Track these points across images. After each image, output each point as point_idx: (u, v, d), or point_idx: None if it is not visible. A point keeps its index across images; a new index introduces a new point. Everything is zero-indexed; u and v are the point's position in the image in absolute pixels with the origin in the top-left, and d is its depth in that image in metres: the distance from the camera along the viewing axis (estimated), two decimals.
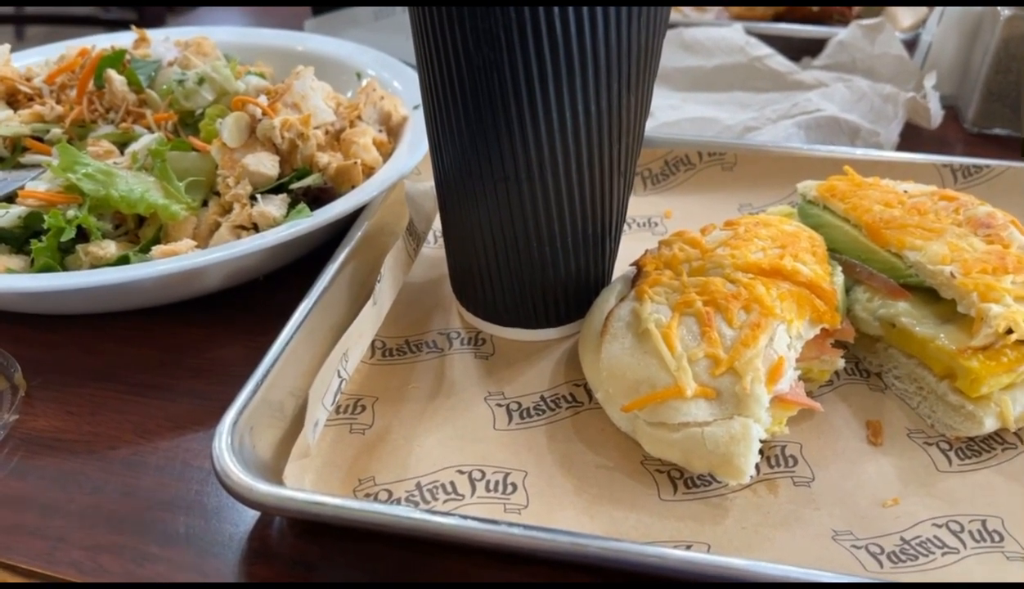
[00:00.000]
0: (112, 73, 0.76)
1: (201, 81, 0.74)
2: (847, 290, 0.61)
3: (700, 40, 1.04)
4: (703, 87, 1.02)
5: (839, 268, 0.60)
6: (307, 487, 0.49)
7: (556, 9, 0.47)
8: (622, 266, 0.63)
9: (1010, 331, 0.52)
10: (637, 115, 0.55)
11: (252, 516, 0.50)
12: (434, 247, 0.73)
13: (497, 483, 0.51)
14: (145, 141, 0.70)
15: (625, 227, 0.77)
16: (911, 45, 1.05)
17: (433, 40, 0.51)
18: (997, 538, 0.48)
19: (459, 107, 0.52)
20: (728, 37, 1.04)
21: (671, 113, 0.93)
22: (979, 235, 0.59)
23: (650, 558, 0.42)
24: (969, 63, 0.97)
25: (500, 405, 0.57)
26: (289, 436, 0.51)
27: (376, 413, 0.56)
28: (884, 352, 0.59)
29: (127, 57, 0.80)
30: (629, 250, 0.65)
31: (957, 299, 0.55)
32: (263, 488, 0.45)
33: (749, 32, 1.06)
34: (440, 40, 0.50)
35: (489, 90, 0.50)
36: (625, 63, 0.51)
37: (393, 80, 0.86)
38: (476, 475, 0.51)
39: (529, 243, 0.57)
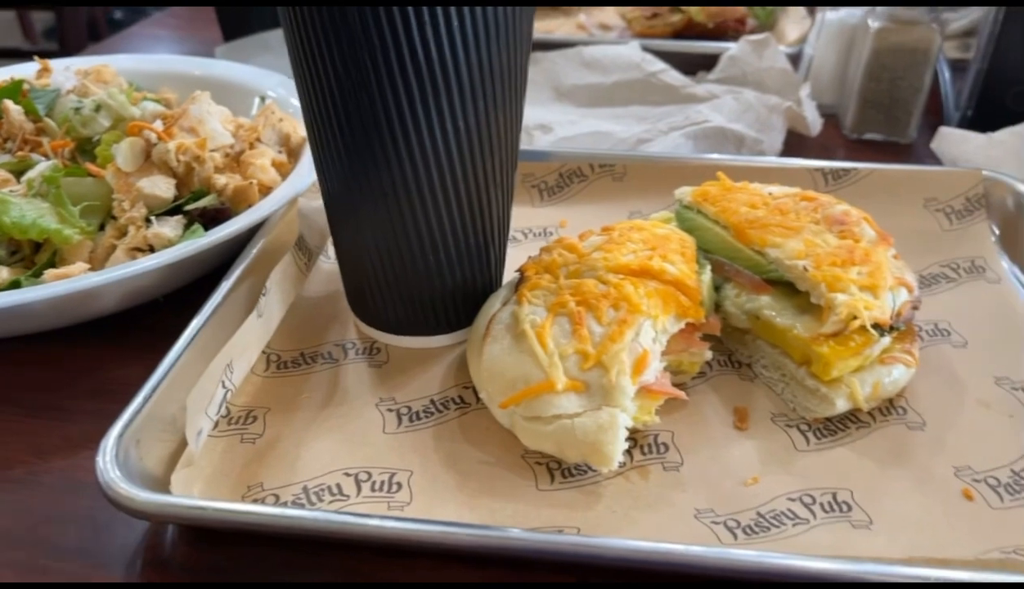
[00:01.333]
0: (8, 103, 0.77)
1: (98, 108, 0.76)
2: (718, 287, 0.65)
3: (599, 58, 1.09)
4: (603, 103, 1.06)
5: (708, 267, 0.64)
6: (194, 495, 0.51)
7: (416, 33, 0.50)
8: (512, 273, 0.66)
9: (855, 318, 0.56)
10: (508, 130, 0.58)
11: (143, 528, 0.52)
12: (332, 262, 0.75)
13: (383, 483, 0.53)
14: (40, 168, 0.71)
15: (521, 236, 0.81)
16: (795, 59, 1.11)
17: (307, 67, 0.54)
18: (845, 508, 0.52)
19: (336, 129, 0.55)
20: (625, 54, 1.09)
21: (569, 128, 0.97)
22: (834, 231, 0.63)
23: (514, 541, 0.45)
24: (846, 74, 1.03)
25: (391, 410, 0.59)
26: (180, 450, 0.53)
27: (267, 423, 0.57)
28: (752, 343, 0.64)
29: (26, 87, 0.81)
30: (524, 259, 0.67)
31: (810, 290, 0.59)
32: (144, 496, 0.46)
33: (646, 49, 1.11)
34: (313, 67, 0.53)
35: (360, 110, 0.53)
36: (489, 82, 0.54)
37: (294, 101, 0.88)
38: (362, 476, 0.54)
39: (413, 255, 0.60)
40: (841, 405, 0.57)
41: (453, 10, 0.49)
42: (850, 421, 0.59)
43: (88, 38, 2.70)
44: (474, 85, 0.53)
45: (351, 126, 0.54)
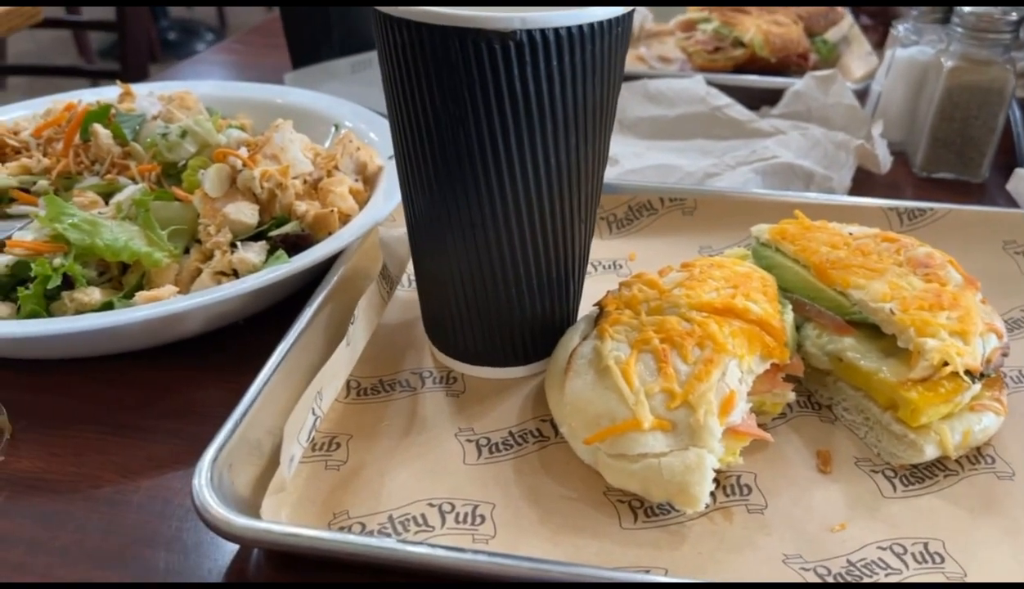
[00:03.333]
0: (98, 127, 0.79)
1: (184, 134, 0.78)
2: (798, 327, 0.65)
3: (663, 91, 1.09)
4: (666, 135, 1.06)
5: (789, 306, 0.64)
6: (283, 521, 0.51)
7: (516, 71, 0.51)
8: (587, 306, 0.66)
9: (945, 364, 0.55)
10: (595, 166, 0.59)
11: (230, 551, 0.52)
12: (408, 290, 0.76)
13: (466, 515, 0.53)
14: (129, 192, 0.73)
15: (591, 269, 0.81)
16: (862, 95, 1.10)
17: (403, 97, 0.55)
18: (938, 559, 0.51)
19: (428, 159, 0.56)
20: (690, 88, 1.09)
21: (635, 161, 0.98)
22: (918, 274, 0.63)
23: (605, 580, 0.45)
24: (916, 111, 1.02)
25: (470, 441, 0.59)
26: (266, 473, 0.54)
27: (350, 450, 0.58)
28: (833, 385, 0.63)
29: (112, 111, 0.83)
30: (595, 291, 0.68)
31: (897, 334, 0.58)
32: (241, 522, 0.47)
33: (710, 83, 1.12)
34: (410, 98, 0.54)
35: (456, 144, 0.54)
36: (582, 118, 0.54)
37: (369, 131, 0.90)
38: (446, 508, 0.54)
39: (496, 286, 0.60)
40: (930, 452, 0.56)
41: (554, 49, 0.50)
42: (937, 469, 0.58)
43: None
44: (567, 121, 0.54)
45: (444, 157, 0.55)
